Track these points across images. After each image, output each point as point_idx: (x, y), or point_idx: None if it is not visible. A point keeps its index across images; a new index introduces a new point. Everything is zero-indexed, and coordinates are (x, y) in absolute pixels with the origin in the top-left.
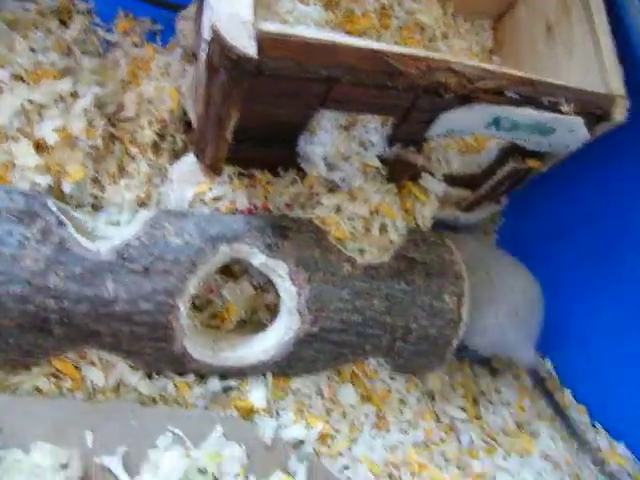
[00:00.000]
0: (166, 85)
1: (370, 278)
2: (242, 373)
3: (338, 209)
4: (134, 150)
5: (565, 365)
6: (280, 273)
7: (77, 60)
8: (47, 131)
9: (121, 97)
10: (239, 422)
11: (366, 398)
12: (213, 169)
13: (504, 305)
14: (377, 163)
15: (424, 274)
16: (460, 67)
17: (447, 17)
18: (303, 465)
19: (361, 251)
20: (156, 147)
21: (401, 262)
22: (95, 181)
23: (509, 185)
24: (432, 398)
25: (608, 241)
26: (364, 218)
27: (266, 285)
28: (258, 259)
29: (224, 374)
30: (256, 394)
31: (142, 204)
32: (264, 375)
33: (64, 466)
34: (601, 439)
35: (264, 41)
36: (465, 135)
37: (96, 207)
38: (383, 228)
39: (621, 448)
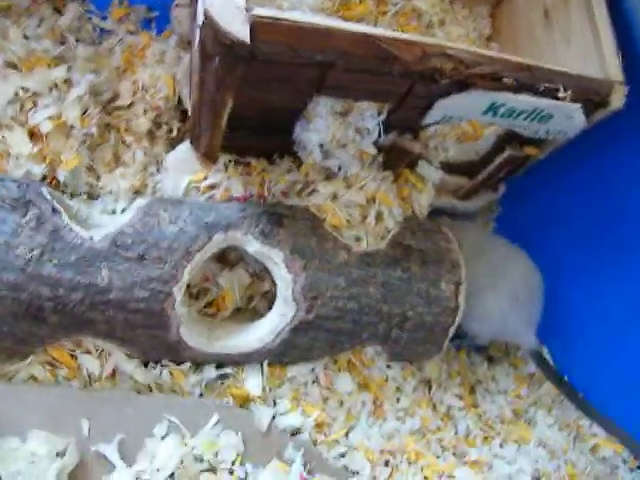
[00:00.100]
0: (162, 73)
1: (366, 265)
2: (238, 361)
3: (334, 197)
4: (129, 138)
5: (562, 352)
6: (276, 261)
7: (71, 48)
8: (41, 119)
9: (116, 85)
10: (235, 410)
11: (363, 386)
12: (209, 157)
13: (504, 291)
14: (373, 150)
15: (420, 261)
16: (455, 52)
17: (444, 3)
18: (299, 453)
19: (357, 239)
20: (151, 135)
21: (397, 249)
22: (90, 169)
23: (506, 172)
24: (429, 386)
25: (606, 228)
26: (360, 206)
27: (262, 273)
28: (253, 247)
29: (220, 362)
30: (252, 382)
31: (137, 192)
32: (260, 363)
33: (60, 454)
34: (597, 426)
35: (257, 26)
36: (462, 122)
37: (91, 195)
38: (379, 216)
39: None
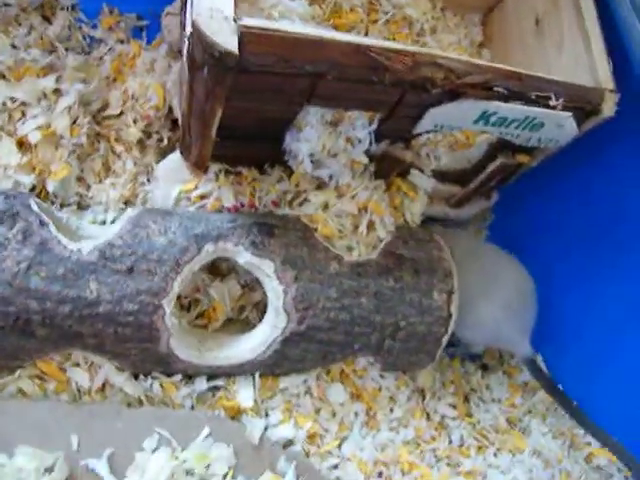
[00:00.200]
0: (152, 82)
1: (358, 276)
2: (229, 373)
3: (325, 206)
4: (119, 148)
5: (556, 360)
6: (267, 271)
7: (61, 57)
8: (30, 129)
9: (106, 94)
10: (227, 422)
11: (355, 396)
12: (199, 167)
13: (497, 298)
14: (365, 159)
15: (412, 271)
16: (446, 62)
17: (436, 11)
18: (292, 465)
19: (349, 248)
20: (142, 145)
21: (389, 259)
22: (80, 180)
23: (499, 180)
24: (422, 396)
25: (599, 235)
26: (352, 215)
27: (253, 284)
28: (244, 257)
29: (211, 374)
30: (244, 394)
31: (128, 202)
32: (252, 374)
33: (49, 470)
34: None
35: (246, 36)
36: (454, 131)
37: (81, 206)
38: (371, 225)
39: None
